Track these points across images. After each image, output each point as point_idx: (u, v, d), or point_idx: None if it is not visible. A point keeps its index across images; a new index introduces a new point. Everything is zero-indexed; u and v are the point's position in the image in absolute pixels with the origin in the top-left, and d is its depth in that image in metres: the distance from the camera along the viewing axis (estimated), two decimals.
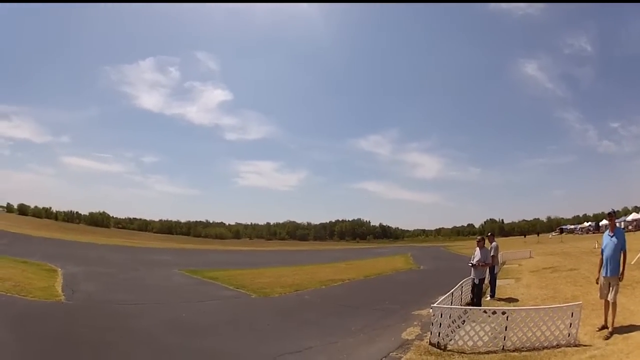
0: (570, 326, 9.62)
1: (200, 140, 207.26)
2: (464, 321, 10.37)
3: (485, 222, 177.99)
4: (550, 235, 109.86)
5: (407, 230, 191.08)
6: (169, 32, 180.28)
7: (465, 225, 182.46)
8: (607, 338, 9.54)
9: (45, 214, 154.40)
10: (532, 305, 11.88)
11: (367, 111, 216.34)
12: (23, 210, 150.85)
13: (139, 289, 19.86)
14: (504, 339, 9.69)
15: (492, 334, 9.87)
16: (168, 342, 10.65)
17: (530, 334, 9.67)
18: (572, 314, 9.68)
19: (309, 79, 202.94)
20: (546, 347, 9.40)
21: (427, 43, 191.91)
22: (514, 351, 9.40)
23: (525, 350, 9.38)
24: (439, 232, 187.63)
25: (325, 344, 10.65)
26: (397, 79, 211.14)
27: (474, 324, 10.07)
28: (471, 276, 15.75)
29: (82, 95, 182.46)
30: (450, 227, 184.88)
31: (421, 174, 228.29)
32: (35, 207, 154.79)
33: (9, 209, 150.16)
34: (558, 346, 9.40)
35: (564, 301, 12.44)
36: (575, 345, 9.35)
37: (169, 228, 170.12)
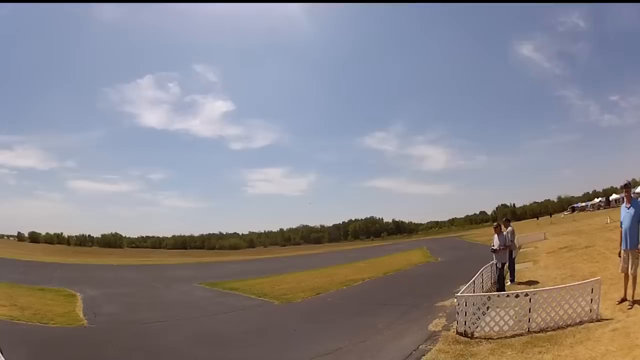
0: (591, 302, 9.87)
1: (206, 153, 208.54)
2: (488, 307, 10.55)
3: (497, 208, 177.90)
4: (562, 215, 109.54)
5: (421, 224, 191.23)
6: (165, 48, 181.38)
7: (478, 213, 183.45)
8: (629, 309, 9.75)
9: (57, 239, 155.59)
10: (552, 286, 11.89)
11: (369, 108, 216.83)
12: (34, 237, 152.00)
13: (160, 306, 20.23)
14: (529, 321, 9.93)
15: (516, 317, 10.13)
16: (196, 356, 10.92)
17: (554, 314, 9.90)
18: (592, 289, 9.93)
19: (308, 81, 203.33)
20: (570, 325, 9.66)
21: (422, 33, 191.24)
22: (539, 332, 9.64)
23: (550, 330, 9.62)
24: (452, 222, 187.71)
25: (354, 344, 10.87)
26: (397, 72, 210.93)
27: (498, 310, 10.29)
28: (493, 262, 16.35)
29: (84, 119, 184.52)
30: (462, 216, 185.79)
31: (429, 166, 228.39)
32: (47, 233, 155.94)
33: (20, 237, 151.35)
34: (581, 323, 9.65)
35: (583, 278, 12.49)
36: (598, 320, 9.59)
37: (183, 243, 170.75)
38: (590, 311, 9.80)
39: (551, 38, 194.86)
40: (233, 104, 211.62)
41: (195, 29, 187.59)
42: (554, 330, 9.60)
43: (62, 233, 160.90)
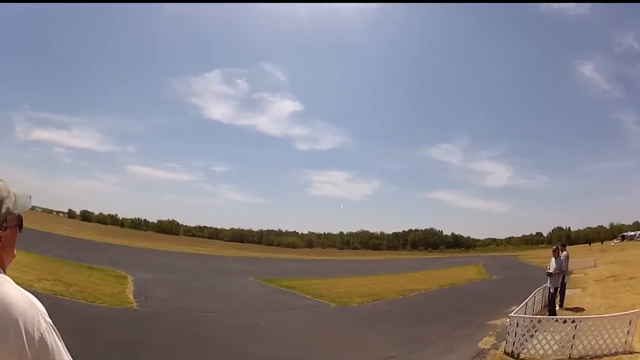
0: (628, 333, 10.17)
1: (271, 150, 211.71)
2: (536, 330, 10.95)
3: (552, 231, 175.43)
4: (612, 243, 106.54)
5: (478, 240, 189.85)
6: (234, 45, 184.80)
7: (534, 233, 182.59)
8: None
9: (110, 220, 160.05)
10: (596, 315, 12.18)
11: (436, 119, 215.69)
12: (86, 216, 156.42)
13: (214, 296, 20.65)
14: (571, 347, 10.29)
15: (560, 342, 10.49)
16: (247, 351, 11.16)
17: (594, 342, 10.23)
18: (630, 321, 10.24)
19: (378, 86, 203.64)
20: (605, 355, 10.06)
21: (490, 48, 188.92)
22: (578, 359, 10.08)
23: (588, 358, 10.04)
24: (508, 241, 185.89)
25: (405, 354, 11.19)
26: (463, 85, 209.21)
27: (545, 333, 10.70)
28: (547, 285, 16.55)
29: (148, 107, 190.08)
30: (519, 235, 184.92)
31: (491, 182, 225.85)
32: (100, 213, 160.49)
33: (70, 214, 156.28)
34: (616, 353, 10.02)
35: (624, 309, 12.55)
36: (630, 353, 9.90)
37: (240, 236, 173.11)
38: (625, 343, 10.14)
39: (609, 59, 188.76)
40: (301, 105, 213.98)
41: (264, 27, 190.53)
42: (592, 358, 10.04)
43: (116, 215, 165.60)
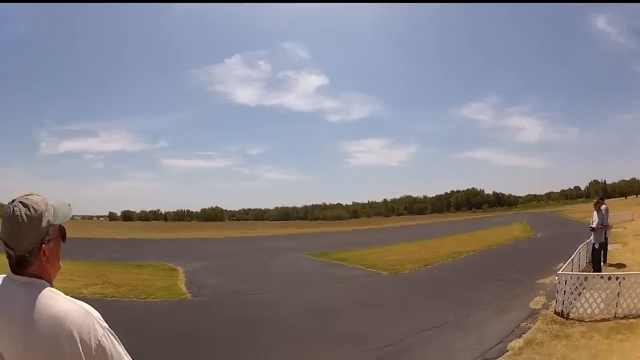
0: None
1: (303, 126, 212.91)
2: (584, 288, 10.92)
3: (589, 184, 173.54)
4: None
5: (520, 197, 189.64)
6: (249, 29, 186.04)
7: (572, 187, 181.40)
8: None
9: (153, 216, 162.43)
10: (637, 271, 12.19)
11: (465, 78, 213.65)
12: (128, 216, 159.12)
13: (265, 277, 21.04)
14: (616, 306, 10.35)
15: (606, 300, 10.54)
16: (304, 328, 11.44)
17: (637, 300, 10.26)
18: None
19: (403, 51, 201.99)
20: None
21: (512, 7, 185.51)
22: (623, 318, 10.08)
23: (632, 318, 10.03)
24: (549, 196, 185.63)
25: (460, 318, 11.45)
26: (489, 43, 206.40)
27: (592, 291, 10.70)
28: (590, 240, 16.57)
29: (173, 100, 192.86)
30: (558, 190, 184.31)
31: (525, 137, 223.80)
32: (142, 211, 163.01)
33: (111, 217, 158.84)
34: None
35: None
36: None
37: (285, 214, 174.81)
38: None
39: (621, 13, 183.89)
40: (327, 78, 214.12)
41: (279, 8, 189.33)
42: (634, 318, 10.03)
43: (158, 210, 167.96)
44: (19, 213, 2.07)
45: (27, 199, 2.13)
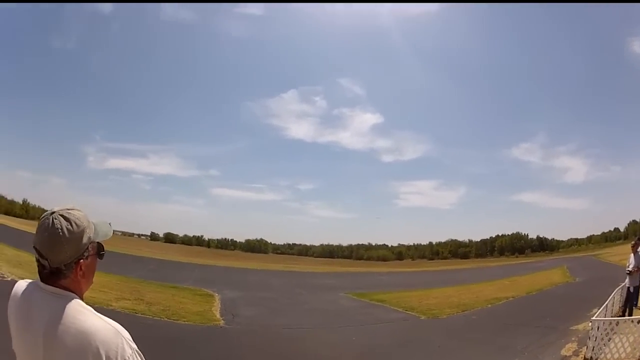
0: None
1: (357, 165, 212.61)
2: (614, 333, 10.83)
3: (628, 224, 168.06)
4: None
5: (562, 241, 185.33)
6: (305, 63, 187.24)
7: (612, 229, 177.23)
8: None
9: (196, 241, 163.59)
10: None
11: (514, 117, 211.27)
12: (170, 238, 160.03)
13: (303, 313, 20.97)
14: None
15: (633, 344, 10.40)
16: None
17: None
18: None
19: (455, 90, 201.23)
20: None
21: (551, 38, 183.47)
22: None
23: None
24: (589, 239, 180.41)
25: None
26: (535, 77, 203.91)
27: (621, 335, 10.62)
28: (625, 284, 16.04)
29: (226, 131, 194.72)
30: (599, 233, 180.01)
31: (571, 178, 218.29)
32: (185, 235, 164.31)
33: (153, 237, 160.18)
34: None
35: None
36: None
37: (330, 252, 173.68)
38: None
39: None
40: (381, 116, 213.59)
41: (334, 42, 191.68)
42: None
43: (201, 236, 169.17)
44: (59, 226, 2.12)
45: (70, 213, 2.19)
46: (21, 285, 2.30)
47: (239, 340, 13.86)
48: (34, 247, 2.15)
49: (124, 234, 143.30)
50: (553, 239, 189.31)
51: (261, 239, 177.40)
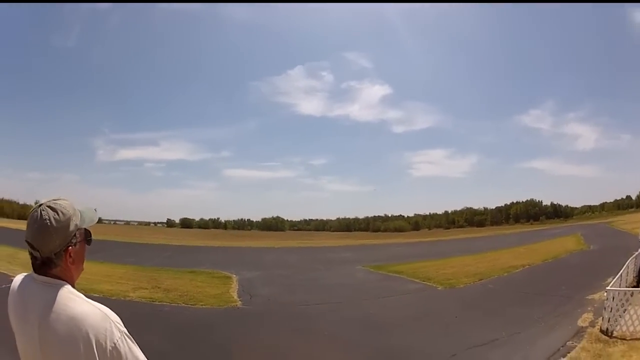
0: None
1: (368, 137, 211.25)
2: (630, 304, 10.88)
3: None
4: None
5: (575, 208, 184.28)
6: (309, 39, 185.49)
7: (624, 197, 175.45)
8: None
9: (212, 224, 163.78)
10: None
11: (523, 84, 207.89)
12: (186, 223, 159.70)
13: (320, 288, 21.08)
14: None
15: None
16: (354, 341, 11.50)
17: None
18: None
19: (463, 59, 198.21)
20: None
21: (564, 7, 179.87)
22: None
23: None
24: (602, 207, 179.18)
25: (510, 335, 11.59)
26: (544, 45, 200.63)
27: (636, 307, 10.63)
28: (639, 253, 16.55)
29: (235, 112, 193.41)
30: (611, 200, 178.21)
31: (582, 145, 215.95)
32: (201, 219, 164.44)
33: (169, 224, 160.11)
34: None
35: None
36: None
37: (347, 225, 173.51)
38: None
39: None
40: (390, 88, 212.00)
41: (337, 17, 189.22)
42: None
43: (218, 218, 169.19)
44: (47, 217, 2.21)
45: (56, 203, 2.28)
46: (18, 279, 2.39)
47: (255, 320, 14.02)
48: (25, 240, 2.23)
49: (139, 223, 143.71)
50: (567, 205, 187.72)
51: (277, 216, 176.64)
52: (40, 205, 2.27)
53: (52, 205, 2.26)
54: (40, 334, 2.12)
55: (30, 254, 2.25)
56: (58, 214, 2.23)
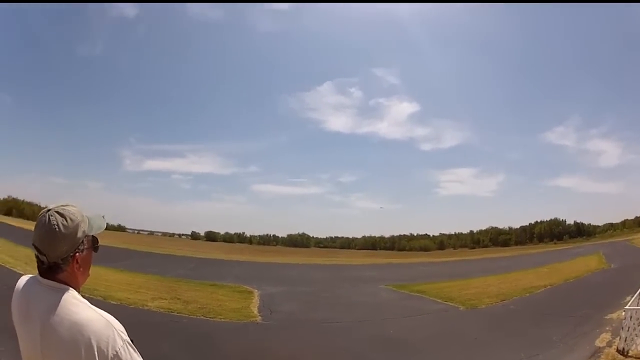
0: None
1: (396, 154, 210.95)
2: None
3: None
4: None
5: (598, 226, 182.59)
6: (338, 55, 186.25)
7: None
8: None
9: (237, 238, 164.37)
10: None
11: (548, 101, 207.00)
12: (211, 236, 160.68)
13: (342, 306, 21.00)
14: None
15: None
16: None
17: None
18: None
19: (490, 74, 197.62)
20: None
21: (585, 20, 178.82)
22: None
23: None
24: (624, 224, 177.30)
25: (529, 357, 11.54)
26: (568, 59, 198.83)
27: None
28: None
29: (265, 127, 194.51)
30: (632, 217, 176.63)
31: (605, 162, 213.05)
32: (226, 233, 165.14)
33: (194, 236, 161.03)
34: None
35: None
36: None
37: (372, 244, 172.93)
38: None
39: None
40: (418, 105, 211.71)
41: (366, 33, 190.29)
42: None
43: (243, 232, 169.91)
44: (55, 222, 2.22)
45: (64, 209, 2.30)
46: (22, 280, 2.41)
47: (272, 336, 14.05)
48: (32, 244, 2.25)
49: (164, 234, 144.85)
50: (589, 224, 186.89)
51: (303, 233, 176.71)
52: (49, 210, 2.28)
53: (61, 211, 2.27)
54: (42, 336, 2.14)
55: (37, 257, 2.26)
56: (66, 220, 2.25)
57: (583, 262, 46.03)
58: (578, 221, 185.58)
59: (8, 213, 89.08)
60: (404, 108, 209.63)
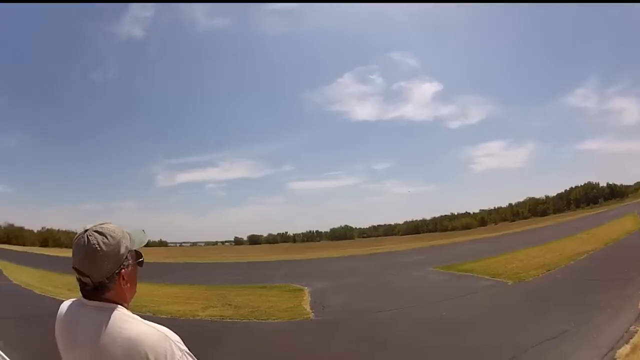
0: None
1: (425, 136, 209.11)
2: None
3: None
4: None
5: (629, 186, 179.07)
6: (353, 44, 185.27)
7: None
8: None
9: (281, 239, 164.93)
10: None
11: (565, 64, 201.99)
12: (254, 240, 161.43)
13: (393, 294, 21.09)
14: None
15: None
16: (426, 345, 11.62)
17: None
18: None
19: (505, 46, 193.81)
20: None
21: None
22: None
23: None
24: None
25: (579, 325, 11.57)
26: (580, 18, 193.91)
27: None
28: None
29: (292, 126, 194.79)
30: None
31: (627, 120, 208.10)
32: (269, 234, 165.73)
33: (237, 241, 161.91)
34: None
35: None
36: None
37: (415, 228, 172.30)
38: None
39: None
40: (440, 84, 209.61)
41: (377, 18, 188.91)
42: None
43: (286, 232, 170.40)
44: (95, 242, 2.27)
45: (102, 227, 2.35)
46: (65, 305, 2.47)
47: (327, 330, 14.30)
48: (73, 267, 2.31)
49: (207, 243, 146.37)
50: (621, 184, 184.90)
51: (346, 225, 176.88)
52: (86, 230, 2.32)
53: (99, 230, 2.32)
54: (93, 358, 2.18)
55: (79, 280, 2.32)
56: (107, 238, 2.30)
57: (620, 224, 46.70)
58: (610, 183, 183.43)
59: (44, 244, 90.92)
60: (427, 89, 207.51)
